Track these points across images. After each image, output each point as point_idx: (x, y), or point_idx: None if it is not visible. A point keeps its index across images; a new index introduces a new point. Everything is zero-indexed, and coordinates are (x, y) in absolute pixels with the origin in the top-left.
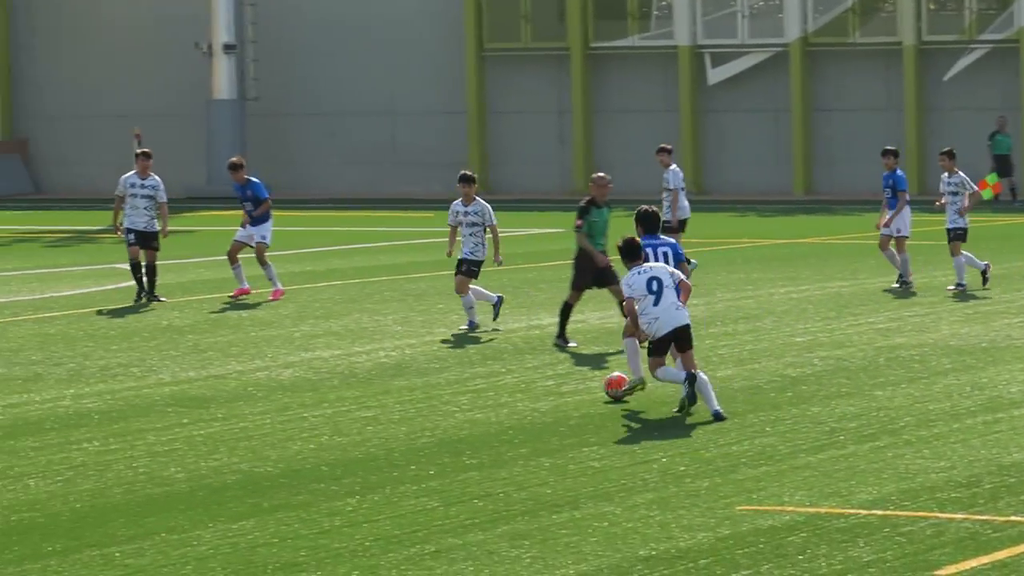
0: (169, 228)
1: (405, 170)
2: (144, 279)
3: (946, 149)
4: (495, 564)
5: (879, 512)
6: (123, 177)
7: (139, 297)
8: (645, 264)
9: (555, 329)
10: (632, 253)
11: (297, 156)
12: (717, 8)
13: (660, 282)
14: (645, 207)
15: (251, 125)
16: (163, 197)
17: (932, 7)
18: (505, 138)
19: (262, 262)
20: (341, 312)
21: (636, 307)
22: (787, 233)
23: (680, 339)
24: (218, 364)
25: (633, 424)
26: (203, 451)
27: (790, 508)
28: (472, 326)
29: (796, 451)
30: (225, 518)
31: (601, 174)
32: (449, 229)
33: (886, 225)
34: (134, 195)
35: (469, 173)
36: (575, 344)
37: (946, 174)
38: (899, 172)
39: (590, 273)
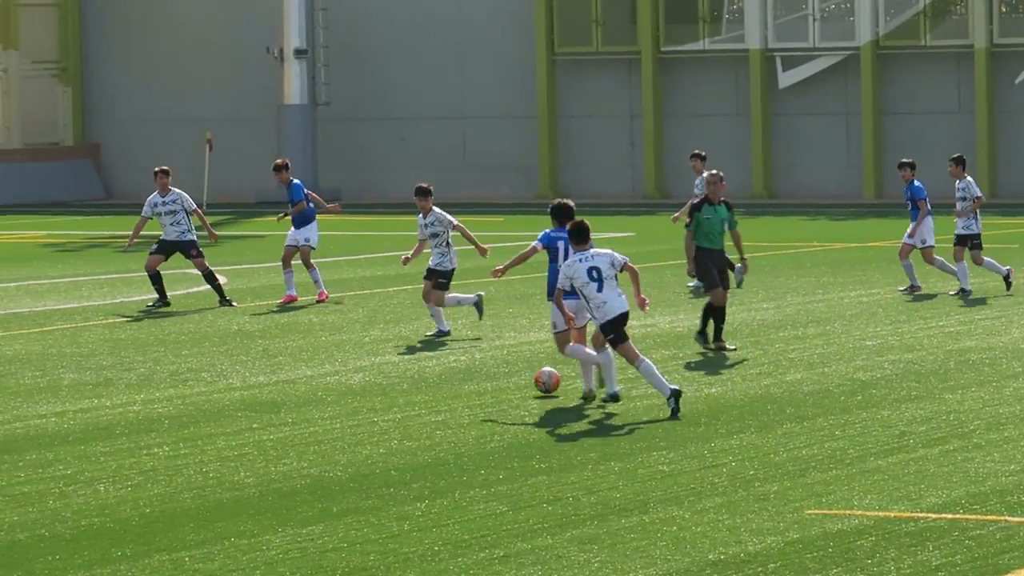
0: (243, 233)
1: (475, 174)
2: (162, 287)
3: (954, 156)
4: (564, 569)
5: (948, 516)
6: (148, 199)
7: (155, 304)
8: (587, 251)
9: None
10: (580, 237)
11: (368, 160)
12: (788, 11)
13: (599, 271)
14: (559, 200)
15: (322, 130)
16: (191, 205)
17: (1004, 10)
18: (576, 142)
19: (307, 265)
20: (411, 317)
21: (562, 296)
22: (857, 237)
23: (622, 324)
24: (288, 369)
25: (702, 428)
26: (273, 456)
27: (859, 512)
28: (441, 332)
29: (865, 455)
30: (294, 523)
31: (714, 171)
32: (418, 242)
33: (910, 235)
34: (159, 213)
35: (424, 185)
36: (734, 347)
37: (957, 180)
38: (916, 183)
39: (714, 269)
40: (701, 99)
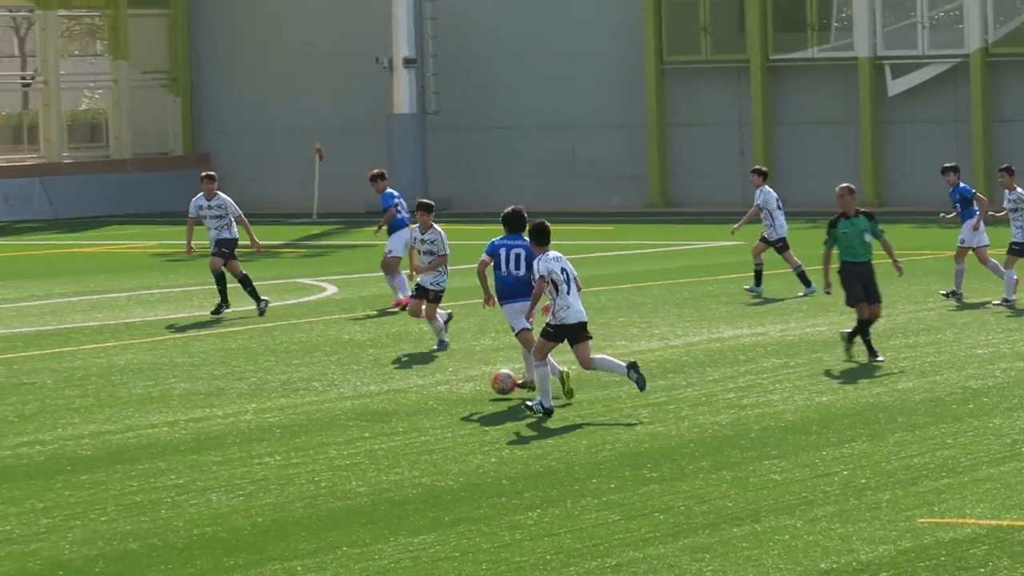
0: (352, 242)
1: (585, 183)
2: (225, 290)
3: (1005, 166)
4: None
5: None
6: (193, 200)
7: (218, 310)
8: (551, 252)
9: (735, 342)
10: (543, 238)
11: (477, 170)
12: (897, 19)
13: (568, 273)
14: (510, 208)
15: (432, 139)
16: (236, 211)
17: None
18: (685, 151)
19: (387, 271)
20: None
21: (545, 292)
22: None
23: (580, 331)
24: (399, 378)
25: (814, 437)
26: (384, 465)
27: (971, 521)
28: (443, 346)
29: (978, 463)
30: (406, 532)
31: (843, 184)
32: (411, 251)
33: (975, 228)
34: (203, 216)
35: (427, 201)
36: (882, 359)
37: (1007, 191)
38: (962, 185)
39: (858, 282)
40: (810, 107)
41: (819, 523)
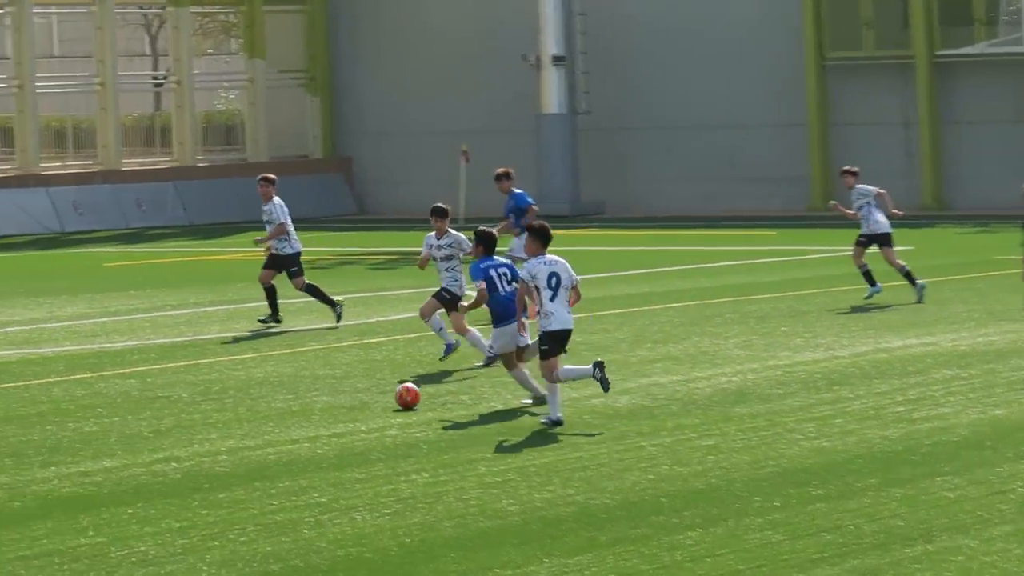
0: (499, 248)
1: (745, 185)
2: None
3: None
4: None
5: None
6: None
7: (266, 320)
8: (548, 256)
9: (904, 352)
10: (545, 240)
11: (631, 172)
12: None
13: (559, 279)
14: (483, 228)
15: (582, 140)
16: (279, 218)
17: None
18: (849, 151)
19: None
20: (680, 336)
21: (529, 298)
22: None
23: (563, 340)
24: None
25: (988, 452)
26: (536, 482)
27: None
28: (449, 349)
29: None
30: (560, 552)
31: None
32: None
33: None
34: (263, 221)
35: (441, 206)
36: None
37: None
38: None
39: None
40: (979, 106)
41: (995, 543)
